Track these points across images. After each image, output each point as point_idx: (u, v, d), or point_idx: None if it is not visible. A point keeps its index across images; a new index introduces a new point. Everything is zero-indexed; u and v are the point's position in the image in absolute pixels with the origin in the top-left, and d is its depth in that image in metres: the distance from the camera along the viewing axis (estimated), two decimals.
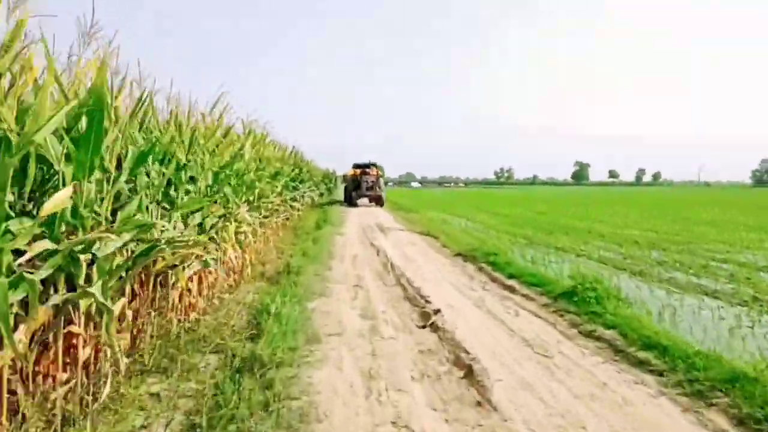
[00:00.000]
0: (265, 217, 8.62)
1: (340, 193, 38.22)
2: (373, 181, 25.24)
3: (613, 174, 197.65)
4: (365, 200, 25.81)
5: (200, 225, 4.77)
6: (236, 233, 6.04)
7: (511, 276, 6.77)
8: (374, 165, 26.80)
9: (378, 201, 25.21)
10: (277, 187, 9.93)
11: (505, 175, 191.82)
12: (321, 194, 30.12)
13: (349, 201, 25.77)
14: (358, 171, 26.55)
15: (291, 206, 11.58)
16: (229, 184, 6.05)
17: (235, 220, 5.94)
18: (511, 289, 6.20)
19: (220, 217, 5.27)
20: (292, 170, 13.14)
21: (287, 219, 14.04)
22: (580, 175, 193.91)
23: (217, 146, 5.73)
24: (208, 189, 5.25)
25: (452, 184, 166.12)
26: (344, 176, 31.43)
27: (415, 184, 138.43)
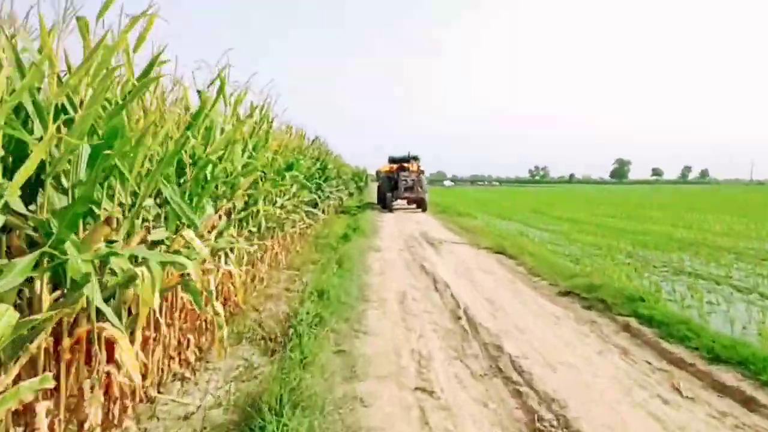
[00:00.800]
0: (261, 236, 5.65)
1: (371, 194, 35.20)
2: (413, 180, 19.67)
3: (656, 171, 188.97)
4: (403, 202, 21.10)
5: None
6: (182, 276, 2.98)
7: (713, 358, 3.51)
8: (414, 159, 21.29)
9: (420, 204, 19.86)
10: (287, 185, 6.94)
11: (540, 173, 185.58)
12: (351, 194, 27.20)
13: (384, 204, 20.75)
14: (395, 167, 21.61)
15: (308, 213, 8.54)
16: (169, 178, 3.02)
17: (172, 250, 2.91)
18: (751, 403, 2.95)
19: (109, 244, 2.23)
20: (315, 164, 10.13)
21: (308, 226, 11.07)
22: (620, 172, 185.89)
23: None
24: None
25: (486, 182, 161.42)
26: (377, 173, 26.14)
27: (447, 183, 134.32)
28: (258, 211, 5.56)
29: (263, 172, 5.35)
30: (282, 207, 6.97)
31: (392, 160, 22.04)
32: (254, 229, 5.50)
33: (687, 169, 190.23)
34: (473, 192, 52.51)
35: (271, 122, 6.42)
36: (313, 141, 10.85)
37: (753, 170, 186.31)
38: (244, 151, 4.94)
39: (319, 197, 11.48)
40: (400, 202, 20.91)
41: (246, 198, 5.20)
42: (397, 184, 19.82)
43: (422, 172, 20.67)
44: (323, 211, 14.17)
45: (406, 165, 21.22)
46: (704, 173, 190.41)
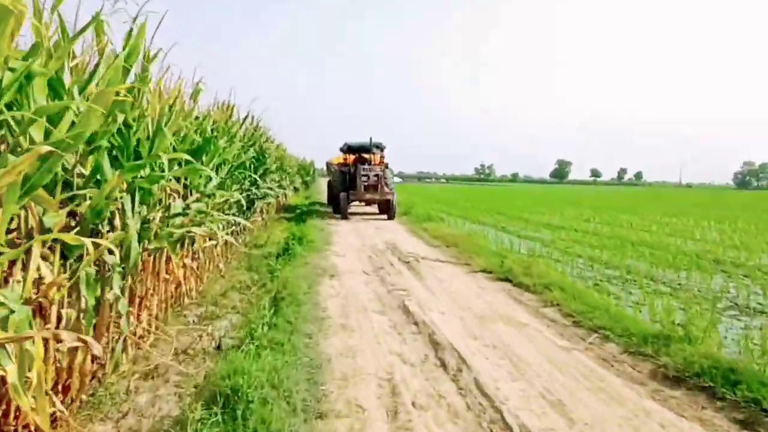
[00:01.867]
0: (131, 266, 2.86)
1: (319, 191, 32.07)
2: (377, 175, 14.33)
3: (595, 173, 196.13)
4: (362, 205, 16.70)
5: None
6: None
7: None
8: (378, 147, 15.89)
9: (385, 208, 14.96)
10: (200, 177, 4.24)
11: (486, 172, 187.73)
12: (296, 189, 24.21)
13: (337, 207, 15.42)
14: (351, 157, 16.94)
15: (230, 223, 5.76)
16: None
17: None
18: None
19: None
20: (245, 150, 7.30)
21: (239, 232, 8.22)
22: (560, 173, 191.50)
23: None
24: None
25: (433, 179, 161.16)
26: (327, 167, 20.66)
27: (395, 179, 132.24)
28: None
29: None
30: (179, 215, 4.21)
31: (349, 149, 16.70)
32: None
33: (623, 171, 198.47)
34: (423, 189, 50.45)
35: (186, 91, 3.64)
36: (245, 119, 8.00)
37: (681, 173, 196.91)
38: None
39: (255, 195, 8.65)
40: (358, 205, 16.54)
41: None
42: (355, 181, 14.50)
43: (387, 165, 15.51)
44: (261, 211, 11.31)
45: (366, 156, 16.50)
46: (638, 175, 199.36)
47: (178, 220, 4.28)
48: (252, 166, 8.42)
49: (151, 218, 3.78)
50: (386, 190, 14.33)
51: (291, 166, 19.93)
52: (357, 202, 15.43)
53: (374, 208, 16.70)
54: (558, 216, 18.31)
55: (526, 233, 12.53)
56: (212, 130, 5.84)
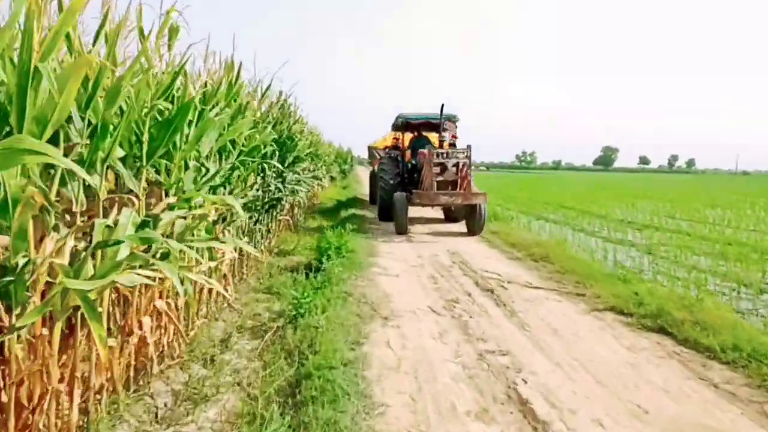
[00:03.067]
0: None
1: (358, 183, 29.86)
2: (457, 165, 9.04)
3: (643, 160, 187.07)
4: (427, 210, 11.55)
5: None
6: None
7: None
8: (451, 119, 10.82)
9: (470, 219, 9.09)
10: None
11: (528, 159, 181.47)
12: (332, 179, 22.28)
13: (386, 214, 10.04)
14: (409, 136, 12.05)
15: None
16: None
17: None
18: None
19: None
20: (263, 130, 5.24)
21: (261, 233, 6.26)
22: (606, 160, 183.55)
23: None
24: None
25: (473, 168, 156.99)
26: (370, 152, 16.10)
27: None
28: None
29: None
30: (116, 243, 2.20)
31: (406, 124, 11.47)
32: None
33: (674, 158, 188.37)
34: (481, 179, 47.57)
35: None
36: (266, 90, 5.92)
37: (738, 161, 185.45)
38: None
39: (280, 190, 6.64)
40: (421, 212, 11.57)
41: None
42: (420, 174, 9.36)
43: (469, 148, 9.36)
44: (292, 207, 9.32)
45: (431, 134, 11.37)
46: (690, 162, 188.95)
47: (123, 250, 2.26)
48: (276, 152, 6.40)
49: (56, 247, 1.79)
50: (473, 188, 8.92)
51: (327, 154, 17.92)
52: (416, 207, 9.42)
53: (436, 211, 11.54)
54: (632, 211, 15.66)
55: (609, 235, 10.13)
56: (204, 96, 3.81)
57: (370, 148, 16.62)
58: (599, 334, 3.89)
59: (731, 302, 5.01)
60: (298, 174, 8.26)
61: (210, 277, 4.19)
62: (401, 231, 8.94)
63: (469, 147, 9.19)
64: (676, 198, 21.90)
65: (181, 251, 2.74)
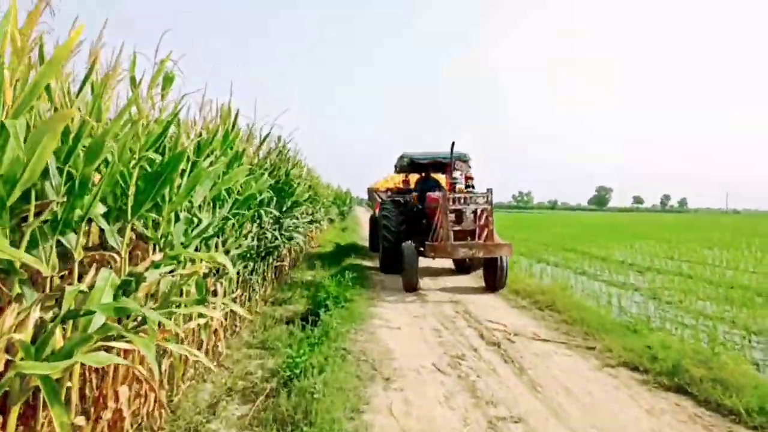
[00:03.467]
0: None
1: (358, 226, 29.70)
2: (476, 212, 7.83)
3: (637, 200, 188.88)
4: (440, 262, 10.26)
5: None
6: None
7: None
8: (462, 159, 9.49)
9: (490, 272, 7.82)
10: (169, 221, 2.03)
11: (525, 199, 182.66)
12: (331, 221, 22.14)
13: (391, 265, 9.09)
14: (415, 177, 10.93)
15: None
16: None
17: None
18: None
19: None
20: (261, 177, 5.09)
21: (253, 285, 6.02)
22: (600, 200, 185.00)
23: None
24: None
25: None
26: (370, 194, 15.22)
27: None
28: None
29: None
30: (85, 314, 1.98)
31: (411, 165, 10.18)
32: None
33: (666, 197, 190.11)
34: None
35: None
36: (265, 138, 5.83)
37: (728, 199, 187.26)
38: None
39: (278, 238, 6.45)
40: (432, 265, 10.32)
41: None
42: (430, 222, 8.35)
43: (491, 192, 7.99)
44: (289, 251, 9.09)
45: (439, 176, 10.97)
46: (682, 202, 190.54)
47: (96, 321, 2.04)
48: (273, 198, 6.25)
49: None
50: (496, 238, 7.67)
51: (326, 196, 17.83)
52: (427, 257, 7.79)
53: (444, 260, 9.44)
54: (630, 252, 15.48)
55: (611, 278, 9.92)
56: (198, 145, 3.67)
57: (371, 191, 15.23)
58: (615, 394, 3.62)
59: (743, 352, 4.76)
60: (296, 219, 8.10)
61: (200, 333, 3.95)
62: (411, 287, 7.63)
63: (490, 191, 7.81)
64: (673, 238, 21.77)
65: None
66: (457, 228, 7.59)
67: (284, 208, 6.93)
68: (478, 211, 7.71)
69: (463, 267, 9.81)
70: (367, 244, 14.33)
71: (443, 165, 9.92)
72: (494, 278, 7.67)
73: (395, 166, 11.39)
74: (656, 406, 3.41)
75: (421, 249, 7.87)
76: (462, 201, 7.71)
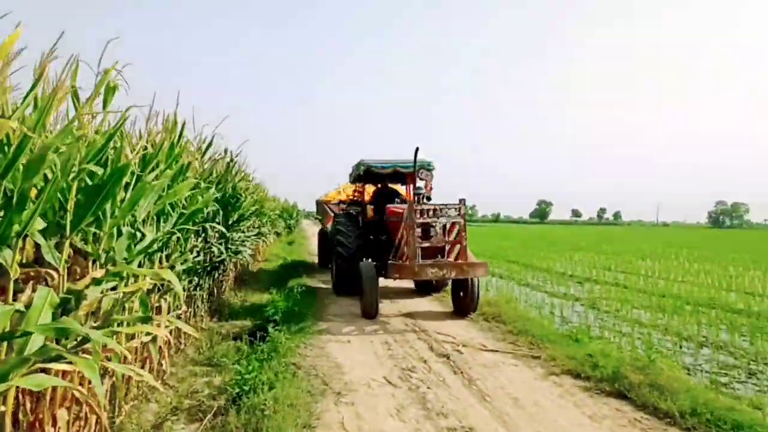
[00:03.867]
0: None
1: (305, 236, 29.41)
2: (448, 227, 6.82)
3: (575, 213, 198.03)
4: (399, 283, 9.25)
5: None
6: None
7: None
8: (427, 168, 8.15)
9: (461, 294, 6.99)
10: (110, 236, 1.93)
11: (470, 212, 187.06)
12: (278, 234, 21.78)
13: (345, 285, 8.32)
14: (371, 189, 10.52)
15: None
16: None
17: None
18: None
19: None
20: (206, 191, 4.96)
21: (201, 297, 5.83)
22: (541, 213, 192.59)
23: None
24: None
25: None
26: (319, 206, 14.42)
27: None
28: None
29: None
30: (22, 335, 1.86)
31: (367, 174, 9.06)
32: None
33: (602, 210, 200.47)
34: None
35: None
36: (208, 146, 5.70)
37: (658, 212, 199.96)
38: None
39: (224, 252, 6.28)
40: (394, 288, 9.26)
41: None
42: (388, 234, 8.15)
43: (463, 205, 7.00)
44: (235, 266, 8.87)
45: (397, 187, 10.37)
46: (617, 215, 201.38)
47: (34, 342, 1.92)
48: (219, 212, 6.11)
49: None
50: (470, 256, 6.85)
51: (272, 209, 17.55)
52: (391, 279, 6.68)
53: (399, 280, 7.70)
54: (570, 263, 16.22)
55: (553, 289, 10.36)
56: (144, 157, 3.55)
57: (320, 203, 13.88)
58: (560, 402, 3.77)
59: (676, 358, 5.09)
60: (243, 232, 7.93)
61: (143, 350, 3.78)
62: (370, 314, 6.63)
63: (463, 202, 6.80)
64: (609, 250, 22.98)
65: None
66: (425, 244, 6.57)
67: (230, 222, 6.79)
68: (448, 226, 6.72)
69: (425, 287, 8.99)
70: (315, 259, 13.88)
71: (403, 175, 9.20)
72: (465, 301, 6.81)
73: (350, 176, 10.26)
74: (598, 412, 3.58)
75: (382, 269, 7.09)
76: (431, 213, 6.66)
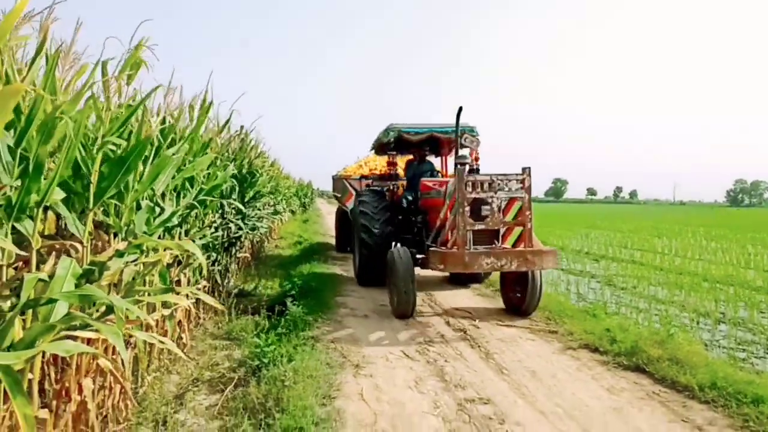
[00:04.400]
0: None
1: (319, 214, 29.52)
2: (505, 204, 5.21)
3: (591, 191, 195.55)
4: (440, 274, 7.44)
5: None
6: None
7: None
8: (472, 133, 6.68)
9: (523, 287, 5.49)
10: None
11: None
12: (293, 212, 21.90)
13: (370, 274, 7.15)
14: (404, 160, 8.39)
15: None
16: None
17: None
18: None
19: None
20: (222, 166, 4.98)
21: (221, 272, 5.90)
22: (557, 191, 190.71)
23: None
24: None
25: None
26: (338, 183, 11.88)
27: None
28: None
29: None
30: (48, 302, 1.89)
31: (399, 142, 7.35)
32: None
33: (618, 189, 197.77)
34: None
35: None
36: (225, 123, 5.69)
37: (675, 191, 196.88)
38: None
39: (240, 228, 6.32)
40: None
41: None
42: (424, 216, 6.73)
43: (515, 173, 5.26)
44: (252, 243, 8.95)
45: (431, 157, 8.25)
46: (633, 193, 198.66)
47: (59, 310, 1.96)
48: (236, 188, 6.13)
49: None
50: (536, 242, 5.30)
51: (287, 188, 17.61)
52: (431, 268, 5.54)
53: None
54: (586, 241, 16.09)
55: (570, 266, 10.30)
56: (162, 132, 3.56)
57: (338, 179, 11.88)
58: (578, 375, 3.77)
59: (694, 333, 5.04)
60: (259, 210, 7.97)
61: (164, 323, 3.85)
62: (405, 314, 5.35)
63: (527, 171, 5.16)
64: (625, 228, 22.72)
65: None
66: (478, 227, 5.04)
67: (247, 199, 6.81)
68: (503, 203, 5.12)
69: (464, 277, 7.37)
70: (331, 240, 12.98)
71: (437, 144, 7.79)
72: (522, 298, 5.46)
73: (373, 146, 8.53)
74: (616, 385, 3.57)
75: (418, 256, 6.00)
76: (485, 186, 5.07)
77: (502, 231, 5.31)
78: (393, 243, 6.76)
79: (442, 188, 6.06)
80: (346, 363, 3.93)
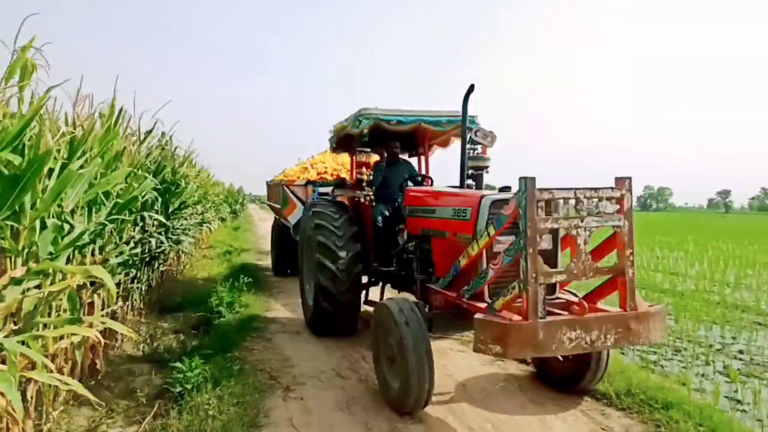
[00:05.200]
0: None
1: (250, 221, 28.64)
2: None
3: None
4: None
5: None
6: None
7: None
8: (475, 125, 4.54)
9: (585, 358, 3.45)
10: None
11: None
12: (222, 219, 21.14)
13: (328, 323, 4.90)
14: (374, 158, 6.24)
15: None
16: None
17: None
18: None
19: None
20: (138, 177, 4.66)
21: (141, 283, 5.52)
22: None
23: None
24: None
25: None
26: (275, 190, 9.34)
27: None
28: None
29: None
30: None
31: (374, 135, 4.94)
32: None
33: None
34: None
35: None
36: (148, 133, 5.35)
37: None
38: None
39: (164, 242, 5.98)
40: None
41: None
42: (423, 244, 4.12)
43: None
44: (177, 258, 8.48)
45: (407, 151, 6.05)
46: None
47: None
48: (158, 200, 5.78)
49: None
50: (639, 301, 2.97)
51: (216, 194, 16.97)
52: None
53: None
54: (651, 263, 12.54)
55: None
56: (71, 144, 3.27)
57: (275, 185, 9.28)
58: (505, 386, 3.87)
59: None
60: (186, 219, 7.59)
61: (73, 350, 3.52)
62: (416, 405, 3.22)
63: (627, 184, 2.98)
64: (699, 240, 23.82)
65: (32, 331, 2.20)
66: (558, 278, 2.96)
67: (171, 210, 6.46)
68: (587, 236, 2.90)
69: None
70: (265, 258, 10.88)
71: (419, 137, 5.79)
72: (577, 366, 3.63)
73: (331, 140, 5.90)
74: (540, 395, 3.69)
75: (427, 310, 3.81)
76: (572, 209, 2.89)
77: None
78: (365, 278, 5.07)
79: (465, 207, 3.58)
80: (276, 386, 3.79)
